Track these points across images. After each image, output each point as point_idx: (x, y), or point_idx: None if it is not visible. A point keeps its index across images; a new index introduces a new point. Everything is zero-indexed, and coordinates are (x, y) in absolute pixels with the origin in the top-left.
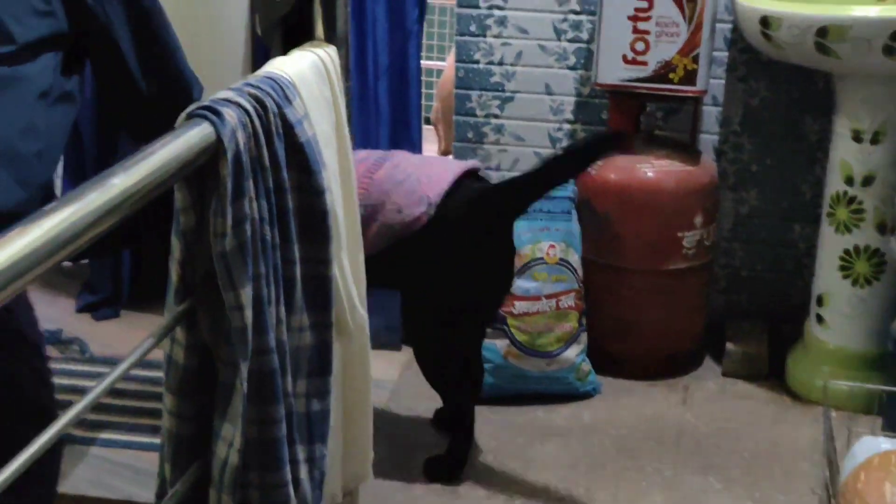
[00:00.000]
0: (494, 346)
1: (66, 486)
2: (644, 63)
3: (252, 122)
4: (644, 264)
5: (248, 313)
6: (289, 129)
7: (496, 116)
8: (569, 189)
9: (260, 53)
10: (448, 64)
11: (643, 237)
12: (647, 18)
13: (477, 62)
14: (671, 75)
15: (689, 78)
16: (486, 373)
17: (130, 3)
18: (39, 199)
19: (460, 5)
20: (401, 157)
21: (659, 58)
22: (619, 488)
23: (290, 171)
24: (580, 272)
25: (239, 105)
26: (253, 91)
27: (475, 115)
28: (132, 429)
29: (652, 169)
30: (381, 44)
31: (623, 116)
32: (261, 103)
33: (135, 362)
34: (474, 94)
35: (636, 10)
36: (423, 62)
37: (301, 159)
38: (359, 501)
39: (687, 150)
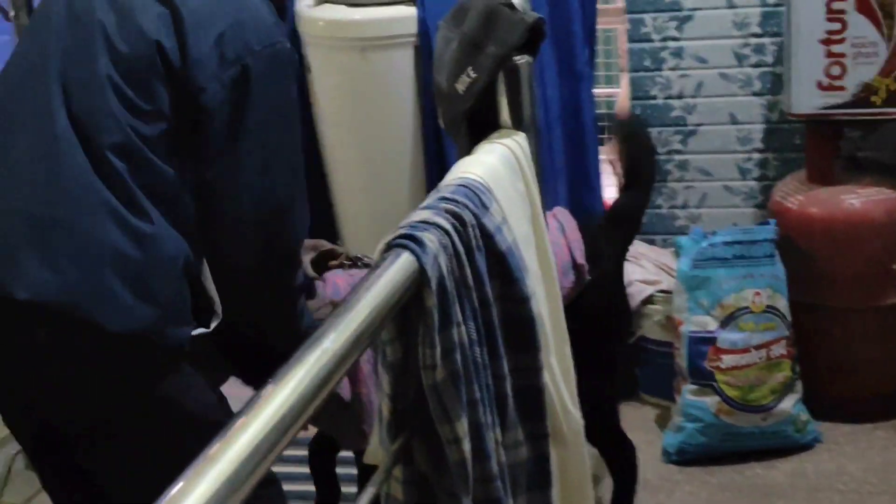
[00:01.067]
0: (704, 404)
1: None
2: (841, 88)
3: (452, 241)
4: (857, 302)
5: (466, 445)
6: (488, 239)
7: (679, 152)
8: (770, 230)
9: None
10: (621, 96)
11: (853, 273)
12: (841, 41)
13: (654, 97)
14: (873, 98)
15: (894, 99)
16: (697, 432)
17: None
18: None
19: (632, 40)
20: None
21: (857, 81)
22: None
23: (492, 281)
24: (789, 317)
25: (437, 226)
26: (449, 207)
27: (656, 153)
28: None
29: (857, 198)
30: (551, 90)
31: (821, 145)
32: (459, 218)
33: None
34: (654, 130)
35: (827, 32)
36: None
37: (503, 268)
38: None
39: (894, 173)
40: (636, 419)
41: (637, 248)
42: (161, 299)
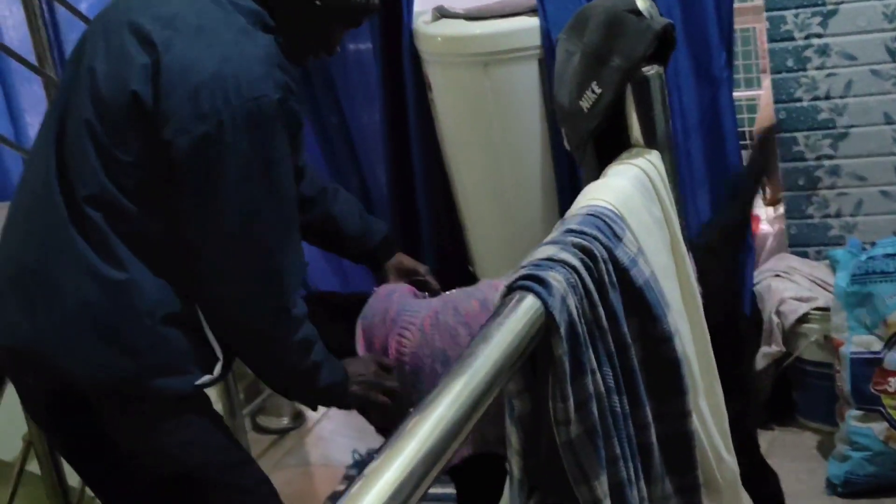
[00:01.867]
0: (871, 431)
1: None
2: None
3: (582, 279)
4: None
5: None
6: (623, 273)
7: (830, 157)
8: None
9: (561, 155)
10: (763, 101)
11: None
12: None
13: (800, 100)
14: None
15: None
16: (864, 462)
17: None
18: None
19: (772, 39)
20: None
21: None
22: None
23: (629, 320)
24: None
25: (564, 263)
26: (577, 240)
27: (804, 159)
28: None
29: None
30: (687, 97)
31: None
32: (588, 253)
33: None
34: (801, 135)
35: None
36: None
37: (641, 305)
38: None
39: None
40: (796, 446)
41: (788, 261)
42: (139, 349)
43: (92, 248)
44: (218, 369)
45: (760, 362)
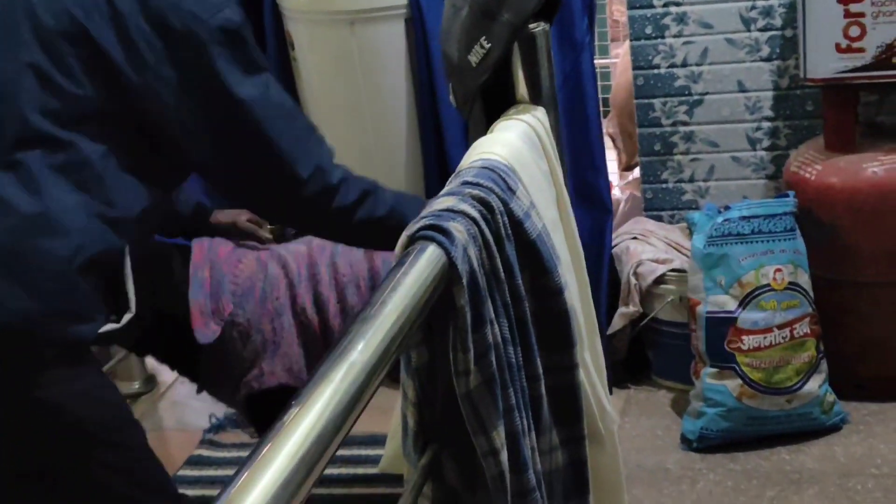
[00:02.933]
0: (726, 388)
1: None
2: (861, 50)
3: (481, 231)
4: (884, 276)
5: (504, 456)
6: (517, 226)
7: (685, 123)
8: (789, 202)
9: (426, 115)
10: (621, 67)
11: (881, 246)
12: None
13: (657, 67)
14: (895, 60)
15: None
16: (719, 417)
17: (213, 96)
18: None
19: (632, 6)
20: None
21: (879, 42)
22: None
23: (522, 273)
24: (812, 294)
25: (464, 213)
26: (475, 192)
27: (661, 125)
28: None
29: (881, 166)
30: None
31: (838, 111)
32: (486, 205)
33: None
34: (658, 101)
35: None
36: None
37: (534, 259)
38: None
39: None
40: (651, 404)
41: (645, 224)
42: (45, 293)
43: (21, 187)
44: (126, 319)
45: (617, 322)
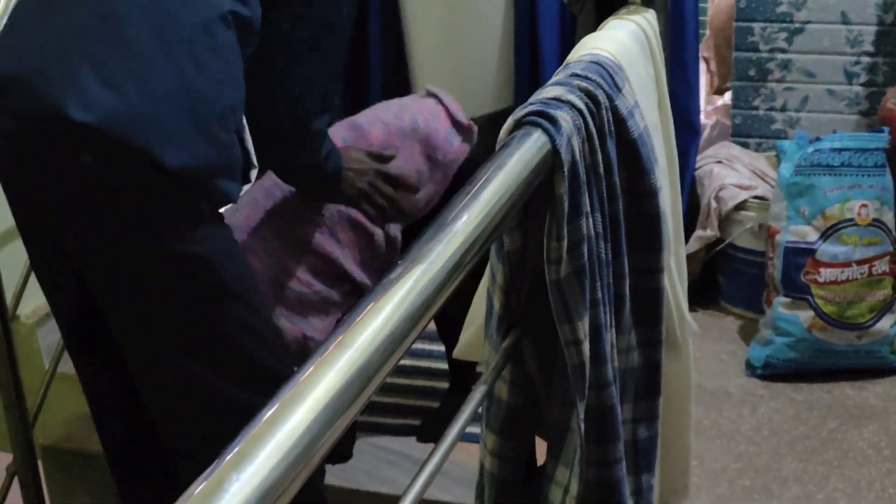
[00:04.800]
0: (797, 318)
1: (336, 477)
2: None
3: (586, 123)
4: None
5: (586, 347)
6: (621, 124)
7: (783, 51)
8: (882, 138)
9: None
10: None
11: None
12: None
13: None
14: None
15: None
16: (786, 347)
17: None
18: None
19: None
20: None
21: None
22: None
23: (619, 171)
24: (894, 233)
25: (571, 104)
26: (583, 84)
27: (758, 50)
28: (407, 412)
29: None
30: None
31: None
32: (593, 98)
33: (472, 411)
34: (758, 26)
35: None
36: None
37: (632, 158)
38: None
39: None
40: (718, 329)
41: (730, 150)
42: (220, 141)
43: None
44: (253, 176)
45: (692, 245)
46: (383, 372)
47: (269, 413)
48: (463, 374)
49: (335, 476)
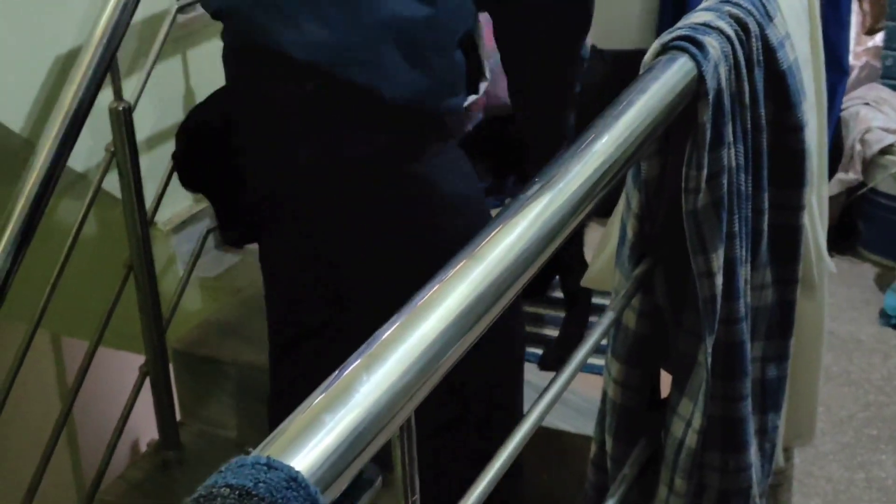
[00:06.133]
0: None
1: None
2: None
3: (734, 51)
4: None
5: (719, 280)
6: (770, 54)
7: None
8: None
9: None
10: None
11: None
12: None
13: None
14: None
15: None
16: None
17: None
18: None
19: None
20: None
21: None
22: None
23: (766, 103)
24: None
25: (720, 31)
26: (734, 11)
27: None
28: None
29: None
30: None
31: None
32: (743, 26)
33: (599, 338)
34: None
35: None
36: None
37: (780, 90)
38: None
39: None
40: (853, 275)
41: (879, 92)
42: (436, 69)
43: None
44: (483, 88)
45: (833, 188)
46: (515, 287)
47: (402, 319)
48: (579, 306)
49: None
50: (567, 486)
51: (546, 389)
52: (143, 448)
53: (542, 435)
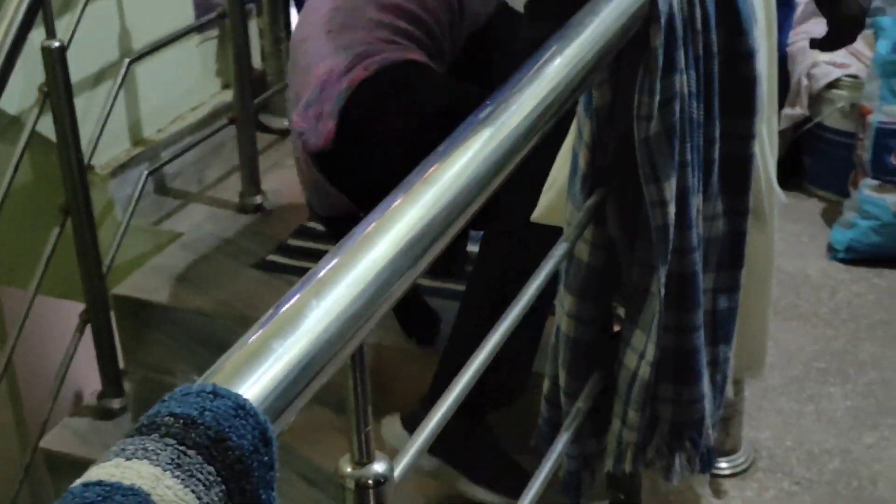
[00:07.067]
0: (883, 202)
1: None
2: None
3: None
4: None
5: (672, 209)
6: None
7: None
8: None
9: None
10: None
11: None
12: None
13: None
14: None
15: None
16: (871, 231)
17: None
18: None
19: None
20: None
21: None
22: None
23: (717, 30)
24: None
25: None
26: None
27: None
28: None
29: None
30: None
31: None
32: None
33: (552, 269)
34: None
35: None
36: None
37: (731, 16)
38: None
39: None
40: (800, 210)
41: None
42: None
43: None
44: None
45: (780, 123)
46: (467, 212)
47: (351, 245)
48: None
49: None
50: (523, 425)
51: (496, 328)
52: (87, 398)
53: None
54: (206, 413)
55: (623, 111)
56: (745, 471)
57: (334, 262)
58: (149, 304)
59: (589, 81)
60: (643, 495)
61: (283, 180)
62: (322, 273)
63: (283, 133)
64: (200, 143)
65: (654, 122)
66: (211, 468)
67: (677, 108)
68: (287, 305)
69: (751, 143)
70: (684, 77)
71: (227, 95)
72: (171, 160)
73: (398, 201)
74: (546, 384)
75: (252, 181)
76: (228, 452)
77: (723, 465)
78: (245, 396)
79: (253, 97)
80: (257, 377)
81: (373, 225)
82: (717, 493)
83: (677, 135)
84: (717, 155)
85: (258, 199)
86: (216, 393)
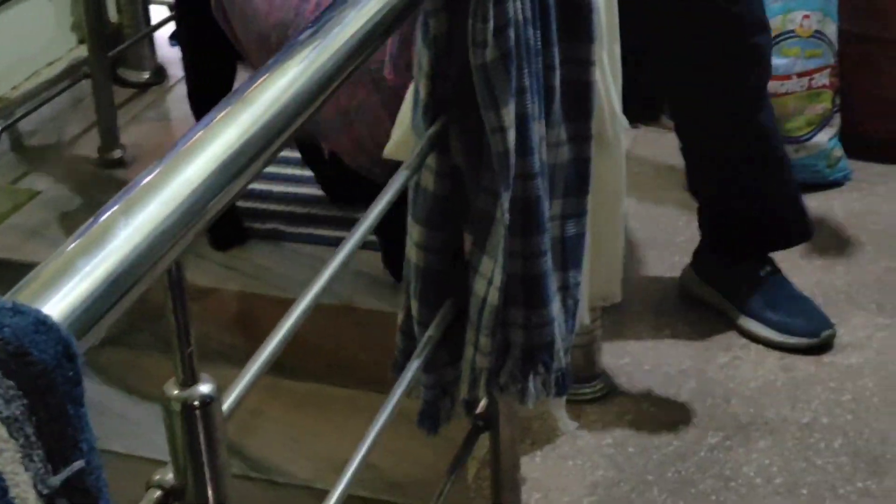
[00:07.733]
0: None
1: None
2: None
3: None
4: None
5: (511, 135)
6: None
7: None
8: None
9: None
10: None
11: None
12: None
13: None
14: None
15: None
16: None
17: None
18: None
19: None
20: None
21: None
22: (884, 293)
23: None
24: (836, 46)
25: None
26: None
27: None
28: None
29: None
30: None
31: None
32: None
33: (391, 199)
34: None
35: None
36: None
37: None
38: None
39: None
40: (658, 145)
41: None
42: None
43: None
44: None
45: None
46: (285, 134)
47: (165, 163)
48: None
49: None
50: (380, 362)
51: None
52: None
53: (349, 313)
54: (5, 329)
55: (460, 39)
56: (605, 395)
57: (146, 180)
58: (7, 263)
59: (413, 7)
60: (502, 422)
61: (142, 133)
62: (133, 192)
63: (142, 86)
64: (55, 97)
65: (490, 49)
66: (11, 382)
67: (512, 34)
68: (95, 224)
69: (591, 70)
70: (518, 3)
71: (84, 51)
72: (25, 115)
73: (215, 119)
74: (400, 316)
75: (111, 136)
76: (29, 367)
77: (585, 390)
78: (48, 313)
79: (108, 50)
80: (63, 295)
81: (188, 143)
82: (578, 417)
83: (514, 61)
84: (557, 81)
85: (118, 154)
86: (16, 309)
